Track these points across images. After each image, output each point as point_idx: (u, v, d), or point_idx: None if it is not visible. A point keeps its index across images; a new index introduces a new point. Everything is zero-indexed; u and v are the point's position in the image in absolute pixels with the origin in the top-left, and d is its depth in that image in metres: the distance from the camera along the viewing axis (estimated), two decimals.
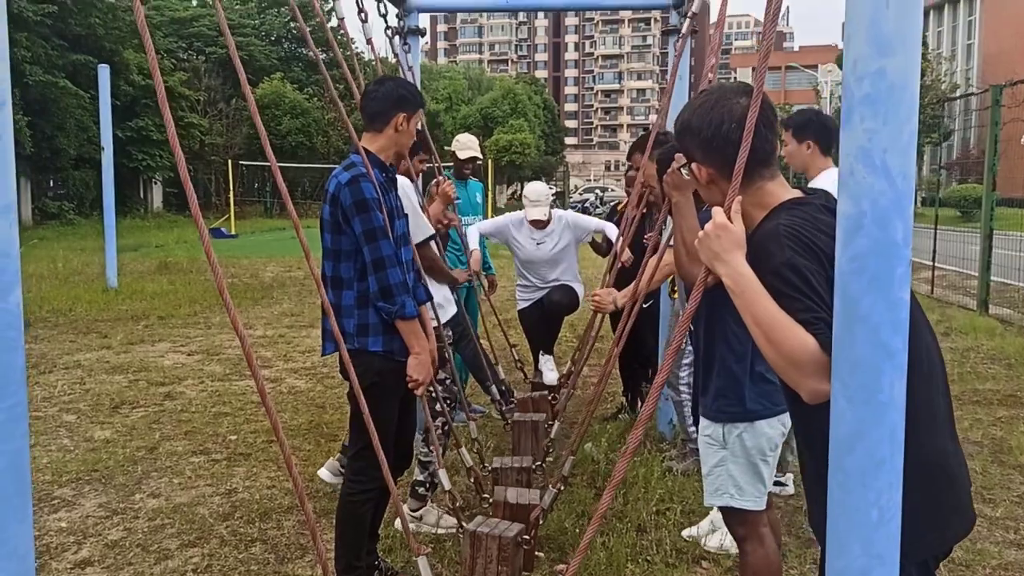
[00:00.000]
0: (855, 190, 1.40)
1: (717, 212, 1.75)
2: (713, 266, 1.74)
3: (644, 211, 4.33)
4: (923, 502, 1.60)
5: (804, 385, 1.56)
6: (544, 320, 5.80)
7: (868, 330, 1.42)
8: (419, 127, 3.15)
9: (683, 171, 1.98)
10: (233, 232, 25.96)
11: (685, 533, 3.89)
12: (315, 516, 4.17)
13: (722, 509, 2.80)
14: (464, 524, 3.40)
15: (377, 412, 2.91)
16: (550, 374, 5.68)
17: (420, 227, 3.89)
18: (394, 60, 4.72)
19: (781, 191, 1.81)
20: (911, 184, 1.40)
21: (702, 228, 2.75)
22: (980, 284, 10.24)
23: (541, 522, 3.31)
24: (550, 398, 5.25)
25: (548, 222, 5.65)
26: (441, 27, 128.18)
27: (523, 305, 5.88)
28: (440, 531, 3.94)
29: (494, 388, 5.34)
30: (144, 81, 30.37)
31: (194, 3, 42.93)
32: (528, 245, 5.69)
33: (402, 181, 4.26)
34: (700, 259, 2.60)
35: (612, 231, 5.60)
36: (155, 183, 35.20)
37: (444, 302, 4.25)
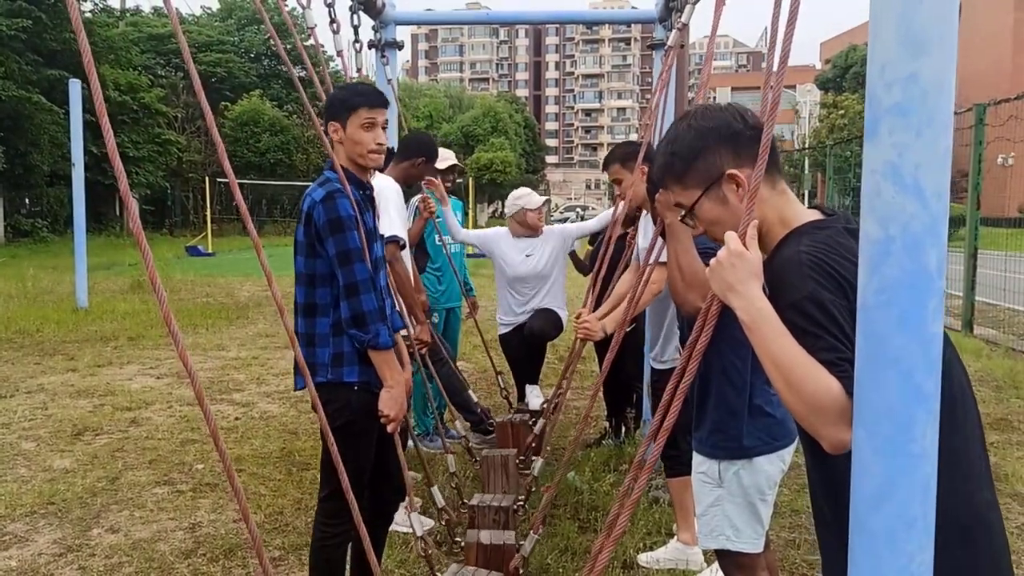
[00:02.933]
0: (883, 212, 1.23)
1: (731, 237, 1.55)
2: (726, 298, 1.54)
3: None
4: (960, 567, 1.41)
5: (826, 434, 1.38)
6: (527, 349, 5.55)
7: (898, 372, 1.23)
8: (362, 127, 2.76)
9: None
10: (210, 250, 25.65)
11: (641, 558, 3.73)
12: (284, 552, 3.99)
13: (718, 552, 2.62)
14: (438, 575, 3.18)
15: (353, 453, 2.69)
16: (535, 400, 5.47)
17: (392, 227, 3.69)
18: (358, 74, 4.51)
19: (799, 211, 1.62)
20: (946, 205, 1.23)
21: (697, 250, 2.60)
22: (964, 304, 10.17)
23: (522, 572, 3.10)
24: (530, 422, 5.04)
25: (541, 231, 5.44)
26: (422, 45, 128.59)
27: (504, 330, 5.63)
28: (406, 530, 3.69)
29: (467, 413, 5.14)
30: (120, 97, 29.95)
31: None
32: (516, 258, 5.42)
33: (384, 182, 4.01)
34: (698, 287, 2.45)
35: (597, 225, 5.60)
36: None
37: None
